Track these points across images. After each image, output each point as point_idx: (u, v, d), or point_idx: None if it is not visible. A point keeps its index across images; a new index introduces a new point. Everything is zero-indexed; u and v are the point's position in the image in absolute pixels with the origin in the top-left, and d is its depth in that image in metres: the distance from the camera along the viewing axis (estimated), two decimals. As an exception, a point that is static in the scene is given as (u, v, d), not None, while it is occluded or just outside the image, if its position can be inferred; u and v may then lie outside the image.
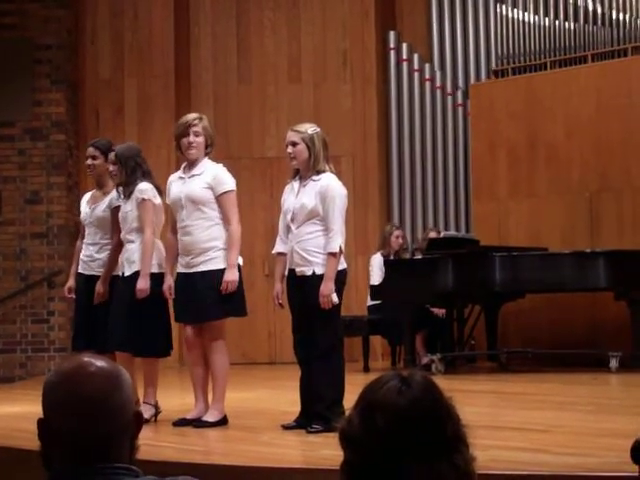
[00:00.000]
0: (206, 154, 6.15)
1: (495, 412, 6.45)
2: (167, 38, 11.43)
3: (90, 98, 11.40)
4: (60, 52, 11.02)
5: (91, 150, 6.70)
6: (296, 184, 5.83)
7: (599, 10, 10.65)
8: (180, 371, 10.03)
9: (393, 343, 10.34)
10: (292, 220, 5.77)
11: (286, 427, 5.70)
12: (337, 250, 5.63)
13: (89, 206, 6.71)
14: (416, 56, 11.76)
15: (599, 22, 10.63)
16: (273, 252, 5.99)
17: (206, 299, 5.96)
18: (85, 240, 6.70)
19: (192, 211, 6.04)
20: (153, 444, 5.14)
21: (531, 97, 10.62)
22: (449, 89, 11.71)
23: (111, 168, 6.43)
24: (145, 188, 6.23)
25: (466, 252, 9.54)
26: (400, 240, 10.32)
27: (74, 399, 1.81)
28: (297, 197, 5.77)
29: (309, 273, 5.68)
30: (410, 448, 1.65)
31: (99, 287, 6.43)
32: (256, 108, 11.56)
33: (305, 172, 5.79)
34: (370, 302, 10.17)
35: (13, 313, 10.74)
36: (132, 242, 6.26)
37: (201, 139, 6.08)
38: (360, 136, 11.53)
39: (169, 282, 6.12)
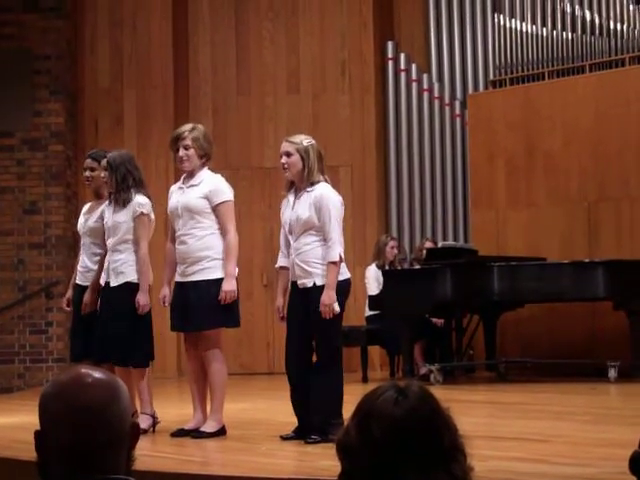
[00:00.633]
0: (203, 164, 6.14)
1: (494, 422, 6.45)
2: (166, 49, 11.44)
3: (89, 108, 11.41)
4: (59, 63, 11.03)
5: (89, 162, 6.69)
6: (292, 197, 5.84)
7: (597, 20, 10.67)
8: (179, 381, 10.03)
9: (392, 353, 10.33)
10: (290, 233, 5.78)
11: (284, 438, 5.69)
12: (337, 259, 5.63)
13: (85, 217, 6.72)
14: (414, 66, 11.78)
15: (597, 32, 10.65)
16: (276, 266, 6.00)
17: (198, 309, 5.95)
18: (81, 251, 6.71)
19: (187, 220, 6.04)
20: (151, 455, 5.13)
21: (529, 107, 10.63)
22: (447, 99, 11.73)
23: (102, 174, 6.43)
24: (144, 202, 6.22)
25: (464, 262, 9.54)
26: (395, 250, 10.33)
27: (71, 410, 1.81)
28: (293, 209, 5.77)
29: (310, 285, 5.69)
30: (407, 458, 1.65)
31: (86, 297, 6.43)
32: (255, 118, 11.58)
33: (299, 184, 5.78)
34: (368, 312, 10.17)
35: (11, 324, 10.73)
36: (120, 252, 6.23)
37: (191, 152, 6.07)
38: (358, 146, 11.54)
39: (164, 292, 6.13)
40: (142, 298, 6.10)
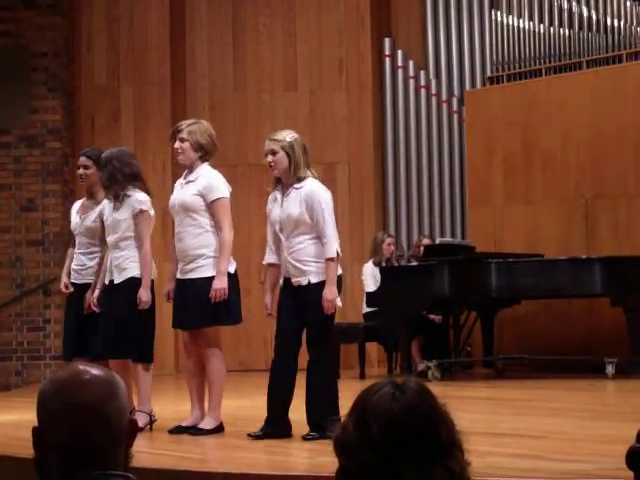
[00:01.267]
0: (204, 160, 6.13)
1: (491, 419, 6.45)
2: (163, 45, 11.43)
3: (86, 105, 11.40)
4: (56, 59, 11.02)
5: (83, 159, 6.68)
6: (279, 194, 5.83)
7: (594, 17, 10.67)
8: (176, 378, 10.03)
9: (389, 350, 10.33)
10: (281, 231, 5.78)
11: (253, 436, 5.64)
12: (334, 255, 5.64)
13: (79, 216, 6.69)
14: (411, 63, 11.77)
15: (594, 29, 10.65)
16: (264, 263, 5.99)
17: (195, 306, 5.96)
18: (76, 249, 6.69)
19: (183, 218, 6.05)
20: (149, 452, 5.14)
21: (526, 104, 10.63)
22: (444, 96, 11.73)
23: (95, 172, 6.49)
24: (144, 199, 6.21)
25: (462, 259, 9.55)
26: (392, 248, 10.33)
27: (69, 407, 1.81)
28: (282, 207, 5.76)
29: (305, 283, 5.68)
30: (404, 454, 1.65)
31: (89, 295, 6.42)
32: (252, 115, 11.57)
33: (286, 180, 5.77)
34: (366, 309, 10.17)
35: (9, 321, 10.73)
36: (122, 249, 6.22)
37: (186, 144, 6.07)
38: (355, 143, 11.54)
39: (169, 287, 6.15)
40: (144, 294, 6.10)
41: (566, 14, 10.85)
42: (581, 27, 10.73)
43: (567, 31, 10.79)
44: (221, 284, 5.89)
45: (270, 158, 5.76)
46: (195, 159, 6.09)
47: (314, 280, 5.65)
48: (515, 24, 11.03)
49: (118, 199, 6.24)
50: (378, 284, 9.75)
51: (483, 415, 6.50)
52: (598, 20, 10.65)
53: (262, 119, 11.52)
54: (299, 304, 5.69)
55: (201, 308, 5.93)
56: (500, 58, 11.11)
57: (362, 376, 9.86)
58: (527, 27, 10.98)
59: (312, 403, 5.64)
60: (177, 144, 6.08)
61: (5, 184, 10.87)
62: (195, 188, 6.03)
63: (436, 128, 11.71)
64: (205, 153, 6.12)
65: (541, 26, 10.94)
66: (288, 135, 5.80)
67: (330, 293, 5.59)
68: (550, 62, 10.85)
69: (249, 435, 5.66)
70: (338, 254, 5.68)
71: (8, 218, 10.85)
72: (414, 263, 10.23)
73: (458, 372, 10.18)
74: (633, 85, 10.10)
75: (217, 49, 11.67)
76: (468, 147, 11.17)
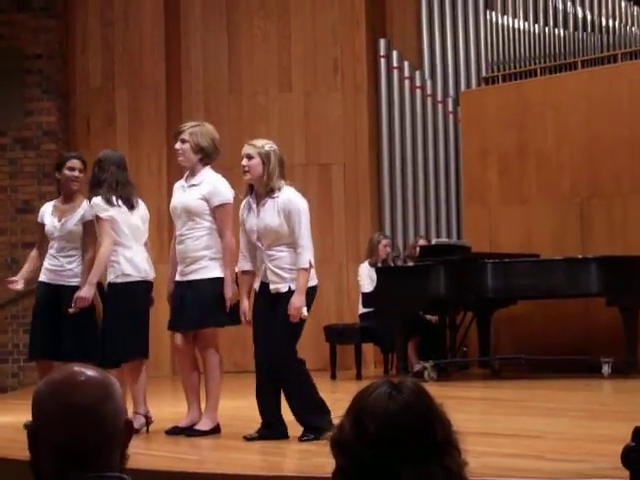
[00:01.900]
0: (205, 163, 6.12)
1: (488, 419, 6.45)
2: (158, 47, 11.43)
3: (81, 108, 11.39)
4: (51, 62, 11.02)
5: (78, 163, 6.65)
6: (253, 203, 5.81)
7: (589, 17, 10.68)
8: (172, 380, 10.02)
9: (385, 350, 10.33)
10: (258, 240, 5.76)
11: (249, 439, 5.65)
12: (307, 265, 5.63)
13: (57, 219, 6.62)
14: (406, 64, 11.78)
15: (589, 29, 10.66)
16: (236, 270, 5.96)
17: (193, 307, 5.96)
18: (51, 251, 6.61)
19: (186, 221, 6.05)
20: (145, 453, 5.13)
21: (521, 104, 10.64)
22: (440, 97, 11.73)
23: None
24: (95, 203, 6.17)
25: (458, 259, 9.55)
26: (388, 249, 10.34)
27: (64, 408, 1.80)
28: (258, 217, 5.74)
29: (284, 290, 5.67)
30: (401, 453, 1.65)
31: (86, 295, 6.39)
32: (247, 117, 11.56)
33: (258, 188, 5.77)
34: (362, 310, 10.17)
35: (5, 323, 10.72)
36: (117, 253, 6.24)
37: (186, 146, 6.07)
38: (351, 144, 11.53)
39: (169, 289, 6.15)
40: (84, 291, 6.12)
41: (561, 14, 10.86)
42: (576, 27, 10.74)
43: (562, 31, 10.80)
44: (232, 292, 5.88)
45: (245, 162, 5.78)
46: (195, 161, 6.08)
47: (294, 287, 5.64)
48: (510, 24, 11.04)
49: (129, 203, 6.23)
50: (374, 285, 9.76)
51: (479, 415, 6.51)
52: (593, 20, 10.66)
53: (257, 121, 11.52)
54: (274, 309, 5.67)
55: (199, 309, 5.93)
56: (495, 58, 11.12)
57: (358, 377, 9.86)
58: (522, 27, 10.99)
59: (296, 408, 5.63)
60: (178, 145, 6.08)
61: (0, 186, 10.86)
62: (199, 192, 6.03)
63: (431, 128, 11.71)
64: (206, 156, 6.11)
65: (536, 26, 10.95)
66: (267, 144, 5.82)
67: (298, 300, 5.58)
68: (545, 62, 10.86)
69: (245, 438, 5.66)
70: (311, 265, 5.66)
71: (4, 220, 10.84)
72: (410, 264, 10.23)
73: (454, 372, 10.18)
74: (628, 85, 10.11)
75: (212, 51, 11.66)
76: (463, 147, 11.18)
